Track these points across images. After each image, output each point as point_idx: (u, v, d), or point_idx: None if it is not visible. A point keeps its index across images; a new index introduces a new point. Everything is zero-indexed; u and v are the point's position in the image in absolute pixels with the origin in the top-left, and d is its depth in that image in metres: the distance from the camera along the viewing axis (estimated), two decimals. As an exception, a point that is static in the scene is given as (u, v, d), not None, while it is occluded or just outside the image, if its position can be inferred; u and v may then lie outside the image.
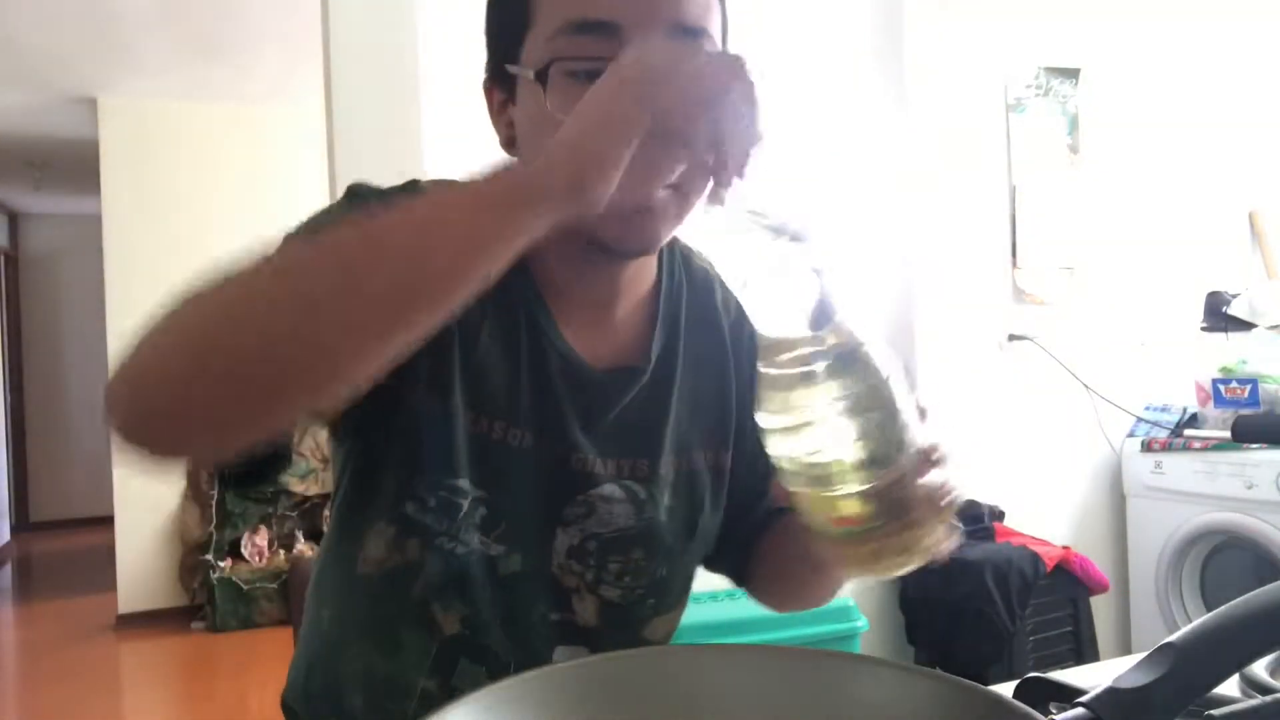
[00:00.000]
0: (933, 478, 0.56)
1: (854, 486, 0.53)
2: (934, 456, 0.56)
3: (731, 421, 0.83)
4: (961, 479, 0.58)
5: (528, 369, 0.74)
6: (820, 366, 0.52)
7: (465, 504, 0.73)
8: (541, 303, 0.75)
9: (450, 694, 0.75)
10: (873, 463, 0.53)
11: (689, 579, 0.86)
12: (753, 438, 0.78)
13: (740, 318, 0.85)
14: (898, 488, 0.53)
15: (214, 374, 0.51)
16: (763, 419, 0.54)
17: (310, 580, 0.87)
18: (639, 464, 0.78)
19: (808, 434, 0.52)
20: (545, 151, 0.54)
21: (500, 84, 0.73)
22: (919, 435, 0.55)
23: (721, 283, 0.86)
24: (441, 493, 0.73)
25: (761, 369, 0.54)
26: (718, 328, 0.84)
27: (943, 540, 0.57)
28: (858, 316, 0.54)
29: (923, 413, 0.57)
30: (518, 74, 0.70)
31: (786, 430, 0.53)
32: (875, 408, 0.52)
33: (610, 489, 0.77)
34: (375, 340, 0.52)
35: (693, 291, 0.84)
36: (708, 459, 0.82)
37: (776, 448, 0.54)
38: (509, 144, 0.74)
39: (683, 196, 0.68)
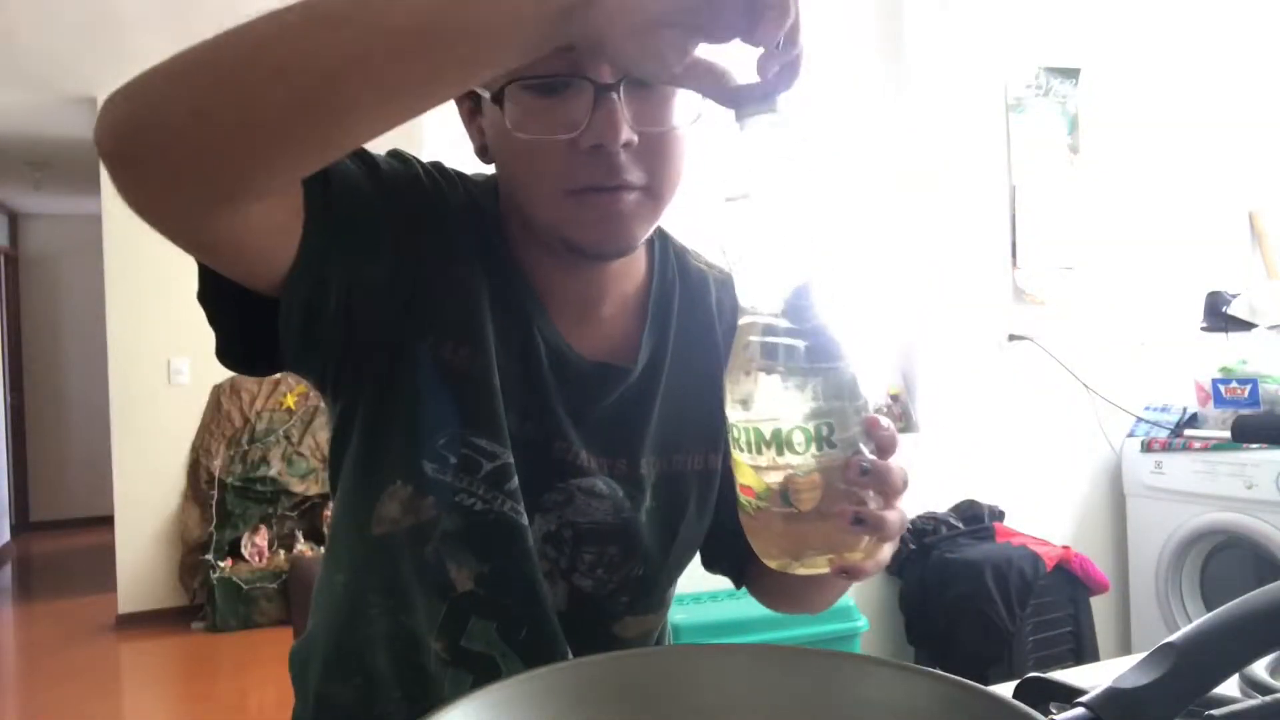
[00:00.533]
0: (850, 494, 0.53)
1: (759, 460, 0.53)
2: (858, 469, 0.53)
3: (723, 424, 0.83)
4: (895, 522, 0.55)
5: (518, 357, 0.75)
6: (790, 342, 0.53)
7: (487, 463, 0.74)
8: (537, 301, 0.76)
9: (459, 655, 0.76)
10: (794, 448, 0.52)
11: (670, 583, 0.86)
12: None
13: (733, 314, 0.84)
14: (801, 480, 0.52)
15: (229, 87, 0.52)
16: (727, 380, 0.55)
17: (324, 549, 0.87)
18: (618, 462, 0.79)
19: (758, 400, 0.53)
20: None
21: (466, 94, 0.73)
22: (855, 444, 0.53)
23: (721, 284, 0.86)
24: (464, 450, 0.73)
25: (737, 335, 0.55)
26: (710, 328, 0.84)
27: (847, 558, 0.55)
28: (841, 311, 0.55)
29: (885, 436, 0.55)
30: (477, 91, 0.71)
31: (744, 398, 0.54)
32: (830, 394, 0.53)
33: (593, 482, 0.78)
34: (388, 84, 0.52)
35: (686, 291, 0.84)
36: (694, 462, 0.82)
37: (732, 412, 0.55)
38: (482, 151, 0.75)
39: (654, 197, 0.69)
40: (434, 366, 0.72)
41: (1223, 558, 2.66)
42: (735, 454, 0.55)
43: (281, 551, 4.61)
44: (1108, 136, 2.91)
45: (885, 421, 0.56)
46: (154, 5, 3.50)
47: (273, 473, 4.66)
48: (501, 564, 0.75)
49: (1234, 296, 2.87)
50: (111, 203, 4.59)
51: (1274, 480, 2.43)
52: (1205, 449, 2.62)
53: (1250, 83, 3.13)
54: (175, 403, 4.68)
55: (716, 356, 0.82)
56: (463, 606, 0.76)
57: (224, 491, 4.61)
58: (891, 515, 0.55)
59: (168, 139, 0.53)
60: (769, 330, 0.54)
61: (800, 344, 0.53)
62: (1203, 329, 2.91)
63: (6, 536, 6.60)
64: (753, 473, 0.54)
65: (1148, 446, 2.77)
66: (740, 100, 0.56)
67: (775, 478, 0.53)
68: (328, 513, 4.63)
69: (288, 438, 4.76)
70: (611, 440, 0.79)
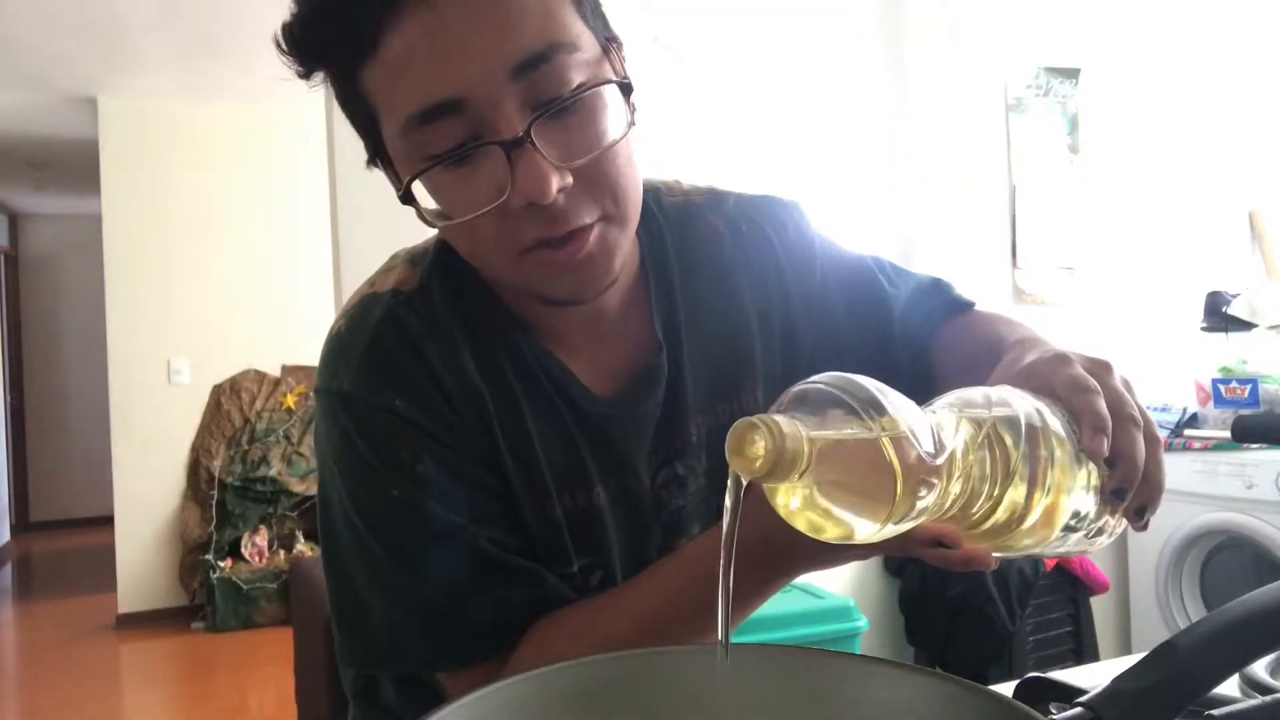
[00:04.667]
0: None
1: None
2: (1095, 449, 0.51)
3: (755, 357, 0.80)
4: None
5: (575, 427, 0.74)
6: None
7: (579, 578, 0.74)
8: (552, 357, 0.73)
9: None
10: (1032, 524, 0.50)
11: None
12: (808, 356, 0.81)
13: (734, 247, 0.81)
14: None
15: None
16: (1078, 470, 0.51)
17: None
18: (674, 444, 0.77)
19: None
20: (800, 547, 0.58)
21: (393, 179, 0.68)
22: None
23: (711, 206, 0.82)
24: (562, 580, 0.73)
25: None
26: (713, 256, 0.80)
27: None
28: None
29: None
30: (391, 181, 0.67)
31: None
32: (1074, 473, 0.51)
33: (671, 473, 0.77)
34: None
35: (675, 234, 0.79)
36: (727, 410, 0.79)
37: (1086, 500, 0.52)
38: (425, 220, 0.67)
39: (618, 222, 0.65)
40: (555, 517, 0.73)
41: (1223, 558, 2.66)
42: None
43: (281, 551, 4.62)
44: (1108, 136, 2.91)
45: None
46: (154, 5, 3.50)
47: (273, 473, 4.66)
48: None
49: (1234, 296, 2.87)
50: (111, 203, 4.60)
51: (1274, 480, 2.43)
52: (1205, 449, 2.63)
53: (1250, 83, 3.13)
54: (175, 403, 4.68)
55: (727, 281, 0.80)
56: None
57: (224, 491, 4.61)
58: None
59: None
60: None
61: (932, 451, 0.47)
62: (1203, 329, 2.91)
63: (6, 536, 6.61)
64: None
65: (1148, 446, 2.77)
66: None
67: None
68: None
69: (288, 438, 4.76)
70: (665, 430, 0.77)
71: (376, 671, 0.74)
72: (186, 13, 3.59)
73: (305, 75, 0.64)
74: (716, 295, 0.79)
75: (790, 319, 0.82)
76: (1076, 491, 0.51)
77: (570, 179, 0.60)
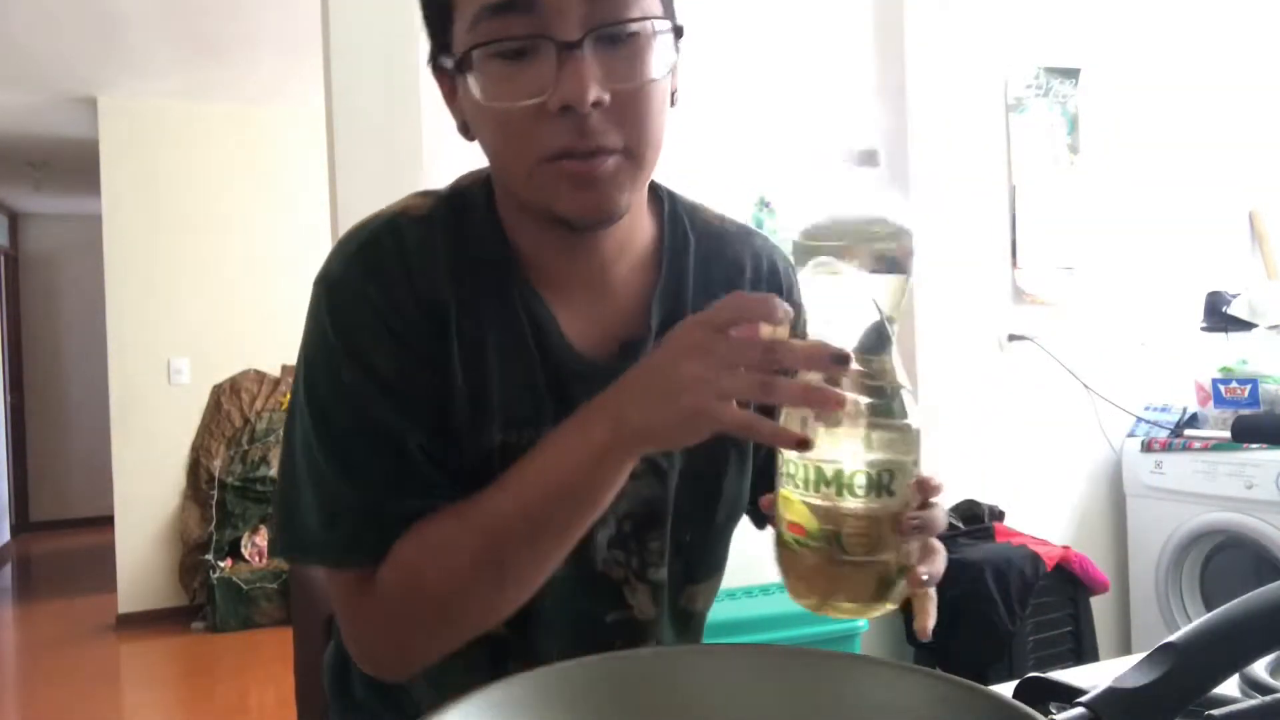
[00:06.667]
0: (896, 541, 0.56)
1: (817, 500, 0.54)
2: (911, 525, 0.56)
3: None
4: (931, 574, 0.61)
5: (542, 373, 0.74)
6: (863, 398, 0.54)
7: None
8: (538, 297, 0.75)
9: None
10: (853, 492, 0.54)
11: (722, 544, 0.85)
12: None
13: (757, 271, 0.84)
14: (853, 524, 0.54)
15: (442, 632, 0.70)
16: (787, 413, 0.56)
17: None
18: None
19: (829, 436, 0.54)
20: (621, 401, 0.62)
21: (444, 74, 0.72)
22: (908, 495, 0.56)
23: (740, 237, 0.85)
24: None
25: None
26: (733, 282, 0.82)
27: (867, 601, 0.57)
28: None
29: (934, 489, 0.59)
30: (447, 68, 0.70)
31: (812, 420, 0.54)
32: (902, 445, 0.54)
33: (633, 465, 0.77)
34: (551, 563, 0.69)
35: (701, 247, 0.82)
36: None
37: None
38: (464, 129, 0.73)
39: (634, 160, 0.67)
40: (454, 430, 0.74)
41: (1223, 558, 2.66)
42: (787, 490, 0.56)
43: (281, 551, 4.61)
44: (1108, 136, 2.91)
45: (936, 480, 0.59)
46: (154, 5, 3.50)
47: (273, 473, 4.65)
48: (529, 610, 0.74)
49: (1234, 296, 2.87)
50: (111, 203, 4.60)
51: (1274, 480, 2.43)
52: (1205, 449, 2.62)
53: (1250, 83, 3.13)
54: (175, 403, 4.68)
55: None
56: (499, 651, 0.76)
57: (224, 491, 4.61)
58: (939, 562, 0.63)
59: (404, 664, 0.74)
60: (838, 381, 0.54)
61: (873, 400, 0.54)
62: (1203, 329, 2.91)
63: (6, 536, 6.60)
64: (807, 511, 0.54)
65: (1148, 446, 2.77)
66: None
67: (830, 519, 0.54)
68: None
69: (288, 438, 4.76)
70: None
71: (291, 560, 0.76)
72: (186, 12, 3.58)
73: None
74: None
75: None
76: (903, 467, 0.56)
77: (607, 99, 0.64)
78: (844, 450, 0.54)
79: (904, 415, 0.55)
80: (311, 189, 4.05)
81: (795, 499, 0.55)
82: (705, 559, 0.83)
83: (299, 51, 3.84)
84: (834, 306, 0.56)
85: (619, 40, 0.65)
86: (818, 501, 0.54)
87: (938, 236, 2.73)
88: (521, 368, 0.74)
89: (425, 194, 0.78)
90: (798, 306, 0.85)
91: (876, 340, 0.54)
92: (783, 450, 0.56)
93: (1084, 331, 2.83)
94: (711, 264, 0.81)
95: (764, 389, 0.54)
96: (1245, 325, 2.82)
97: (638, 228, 0.78)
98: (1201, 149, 3.03)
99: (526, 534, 0.66)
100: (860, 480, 0.53)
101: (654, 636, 0.80)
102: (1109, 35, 2.93)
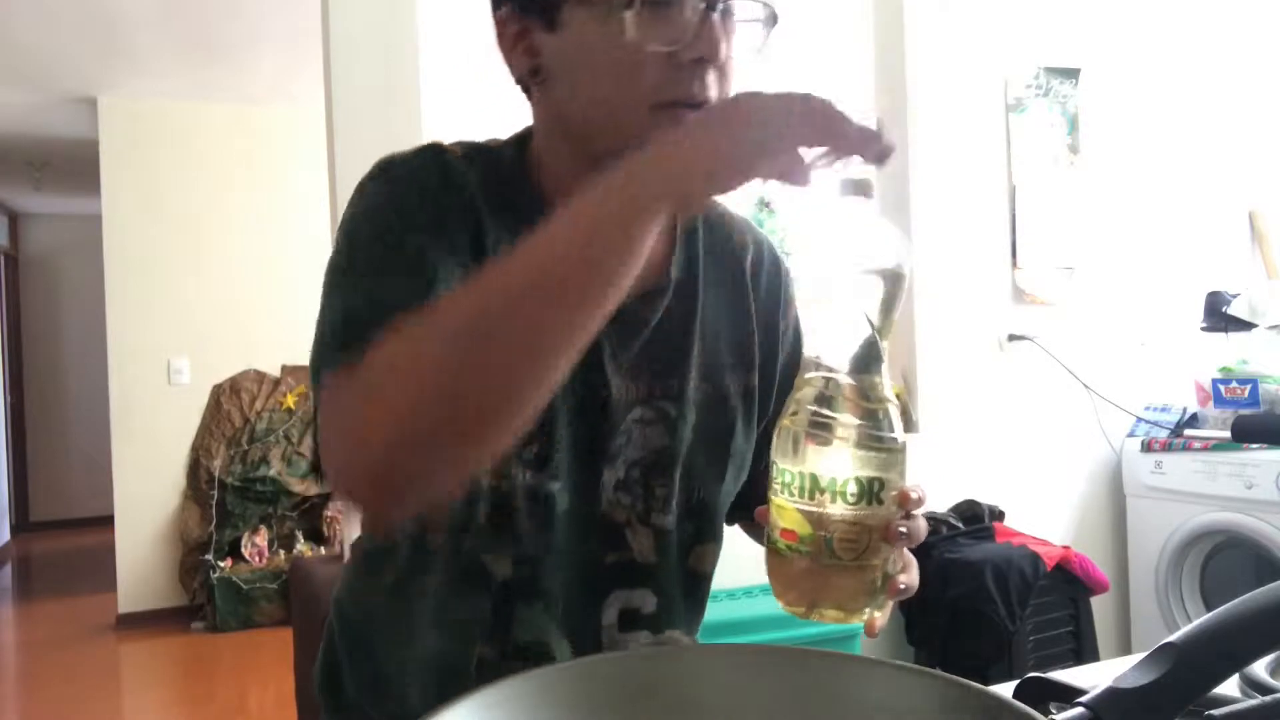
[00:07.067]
0: (883, 549, 0.58)
1: (810, 507, 0.56)
2: (900, 530, 0.58)
3: (755, 346, 0.85)
4: (908, 584, 0.64)
5: None
6: (854, 420, 0.56)
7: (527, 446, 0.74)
8: None
9: (511, 652, 0.76)
10: (845, 499, 0.56)
11: (725, 507, 0.87)
12: (778, 373, 0.86)
13: (758, 255, 0.88)
14: (844, 530, 0.56)
15: (434, 413, 0.57)
16: (784, 426, 0.58)
17: (339, 584, 0.88)
18: (669, 384, 0.79)
19: (822, 451, 0.56)
20: (654, 160, 0.58)
21: (527, 11, 0.72)
22: (894, 504, 0.58)
23: (738, 226, 0.88)
24: None
25: (802, 379, 0.58)
26: (734, 255, 0.86)
27: (854, 607, 0.59)
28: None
29: (916, 503, 0.60)
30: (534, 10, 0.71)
31: (799, 450, 0.57)
32: (888, 460, 0.56)
33: (642, 411, 0.78)
34: (570, 344, 0.58)
35: (708, 225, 0.85)
36: (735, 383, 0.84)
37: (784, 458, 0.58)
38: (531, 74, 0.74)
39: (678, 115, 0.69)
40: None
41: (1223, 558, 2.66)
42: (781, 498, 0.58)
43: (281, 552, 4.61)
44: (1108, 136, 2.91)
45: (916, 492, 0.60)
46: (154, 5, 3.50)
47: (273, 473, 4.66)
48: (534, 544, 0.75)
49: (1234, 296, 2.87)
50: (111, 203, 4.60)
51: (1274, 480, 2.43)
52: (1205, 449, 2.62)
53: (1250, 82, 3.13)
54: (175, 403, 4.68)
55: (744, 282, 0.86)
56: (507, 596, 0.76)
57: (224, 491, 4.61)
58: (914, 573, 0.66)
59: (394, 473, 0.59)
60: (833, 398, 0.56)
61: (863, 423, 0.56)
62: (1203, 329, 2.91)
63: (6, 536, 6.61)
64: (800, 518, 0.56)
65: (1148, 446, 2.77)
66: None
67: (822, 525, 0.56)
68: (328, 513, 4.63)
69: (288, 438, 4.76)
70: (660, 363, 0.79)
71: (316, 378, 0.69)
72: (186, 13, 3.59)
73: None
74: (734, 289, 0.85)
75: (768, 357, 0.87)
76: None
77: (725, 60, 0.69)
78: (837, 461, 0.56)
79: (892, 431, 0.57)
80: (311, 189, 4.05)
81: (789, 506, 0.57)
82: (714, 519, 0.85)
83: (299, 51, 3.84)
84: (826, 325, 0.59)
85: (731, 13, 0.70)
86: (811, 508, 0.56)
87: (938, 236, 2.73)
88: None
89: (455, 143, 0.79)
90: (790, 301, 0.88)
91: (868, 359, 0.57)
92: (776, 460, 0.58)
93: (1084, 331, 2.83)
94: (717, 242, 0.85)
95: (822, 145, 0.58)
96: (1245, 325, 2.82)
97: None
98: (1201, 149, 3.03)
99: (530, 294, 0.57)
100: (852, 488, 0.56)
101: (656, 587, 0.80)
102: (1109, 35, 2.93)
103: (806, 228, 0.62)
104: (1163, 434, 2.78)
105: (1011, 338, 2.77)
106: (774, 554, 0.59)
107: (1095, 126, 2.90)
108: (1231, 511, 2.53)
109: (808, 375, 0.59)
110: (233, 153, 4.78)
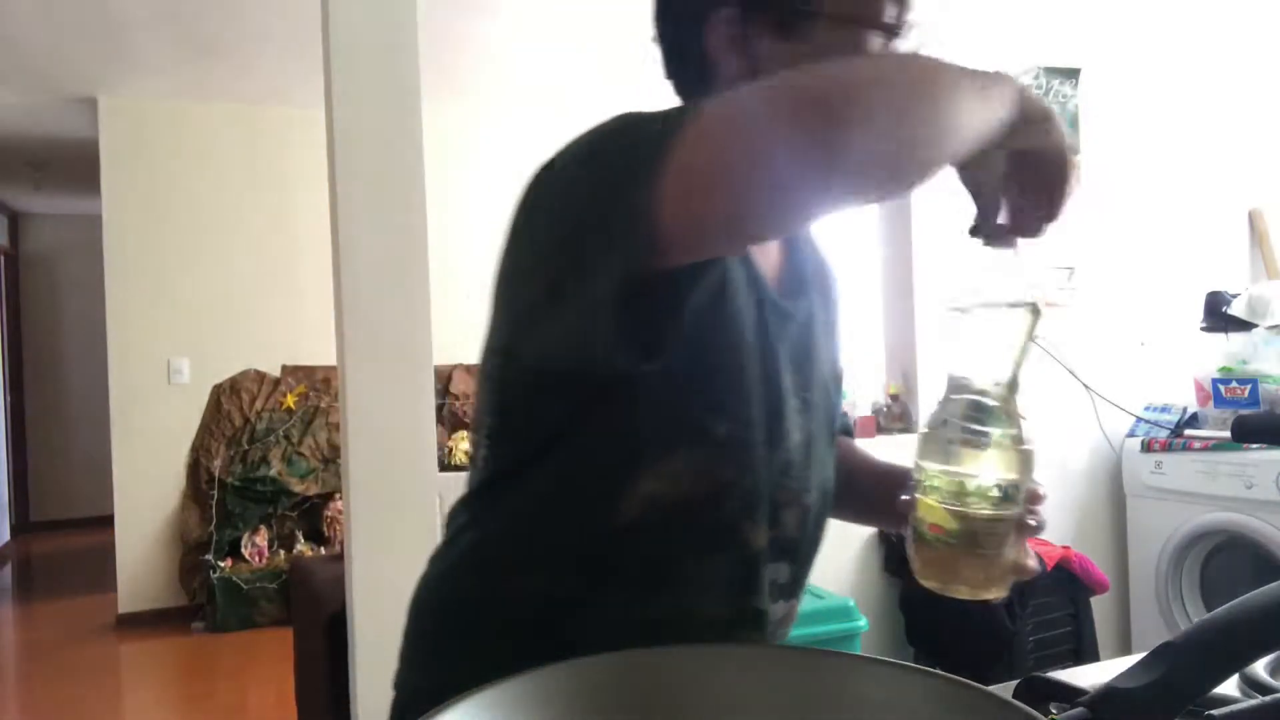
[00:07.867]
0: (1014, 539, 0.67)
1: (959, 508, 0.65)
2: (1031, 524, 0.68)
3: (837, 336, 0.93)
4: (1033, 567, 0.72)
5: (743, 295, 0.78)
6: (1001, 430, 0.67)
7: (709, 417, 0.76)
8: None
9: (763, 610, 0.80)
10: (989, 501, 0.65)
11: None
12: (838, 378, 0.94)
13: (828, 263, 0.95)
14: (986, 526, 0.65)
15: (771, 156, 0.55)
16: (933, 434, 0.67)
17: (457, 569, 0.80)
18: (807, 374, 0.84)
19: (978, 457, 0.65)
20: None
21: (755, 19, 0.76)
22: (1022, 501, 0.67)
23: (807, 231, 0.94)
24: (748, 409, 0.76)
25: (959, 397, 0.68)
26: (818, 262, 0.92)
27: (988, 587, 0.67)
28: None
29: (1040, 499, 0.70)
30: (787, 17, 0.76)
31: (950, 454, 0.66)
32: (1023, 466, 0.66)
33: (795, 401, 0.82)
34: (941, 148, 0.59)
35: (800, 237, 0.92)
36: (832, 368, 0.90)
37: (931, 463, 0.67)
38: (749, 74, 0.76)
39: None
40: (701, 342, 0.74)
41: (1223, 558, 2.66)
42: (931, 499, 0.67)
43: (281, 551, 4.61)
44: (1108, 136, 2.91)
45: (1042, 490, 0.70)
46: (154, 5, 3.50)
47: (273, 473, 4.66)
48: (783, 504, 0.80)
49: (1234, 296, 2.87)
50: (111, 203, 4.60)
51: (1274, 480, 2.43)
52: (1205, 449, 2.62)
53: (1250, 83, 3.13)
54: (175, 403, 4.68)
55: (829, 299, 0.93)
56: (755, 560, 0.78)
57: (224, 491, 4.61)
58: (1034, 558, 0.73)
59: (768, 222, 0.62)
60: (983, 414, 0.66)
61: (1010, 435, 0.65)
62: (1203, 329, 2.91)
63: (6, 536, 6.61)
64: (948, 515, 0.66)
65: (1148, 446, 2.77)
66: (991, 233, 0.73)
67: (968, 522, 0.65)
68: (328, 512, 4.63)
69: (288, 438, 4.76)
70: (799, 357, 0.83)
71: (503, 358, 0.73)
72: (186, 13, 3.59)
73: None
74: (823, 287, 0.91)
75: (830, 350, 0.92)
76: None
77: None
78: (984, 467, 0.66)
79: (1025, 443, 0.66)
80: (311, 189, 4.06)
81: (938, 506, 0.66)
82: (830, 492, 0.89)
83: (299, 51, 3.84)
84: (975, 350, 0.70)
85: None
86: (958, 507, 0.65)
87: (938, 236, 2.73)
88: (747, 294, 0.78)
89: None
90: (836, 302, 0.95)
91: (1013, 382, 0.67)
92: (923, 464, 0.67)
93: (1084, 331, 2.84)
94: (803, 241, 0.92)
95: None
96: (1245, 325, 2.82)
97: None
98: (1202, 149, 3.04)
99: (875, 93, 0.55)
100: (995, 491, 0.65)
101: (793, 559, 0.83)
102: (1109, 35, 2.93)
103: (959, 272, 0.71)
104: (1163, 434, 2.79)
105: (1011, 338, 2.78)
106: (921, 542, 0.68)
107: (1095, 126, 2.90)
108: (1231, 511, 2.53)
109: (952, 395, 0.68)
110: (233, 153, 4.78)
